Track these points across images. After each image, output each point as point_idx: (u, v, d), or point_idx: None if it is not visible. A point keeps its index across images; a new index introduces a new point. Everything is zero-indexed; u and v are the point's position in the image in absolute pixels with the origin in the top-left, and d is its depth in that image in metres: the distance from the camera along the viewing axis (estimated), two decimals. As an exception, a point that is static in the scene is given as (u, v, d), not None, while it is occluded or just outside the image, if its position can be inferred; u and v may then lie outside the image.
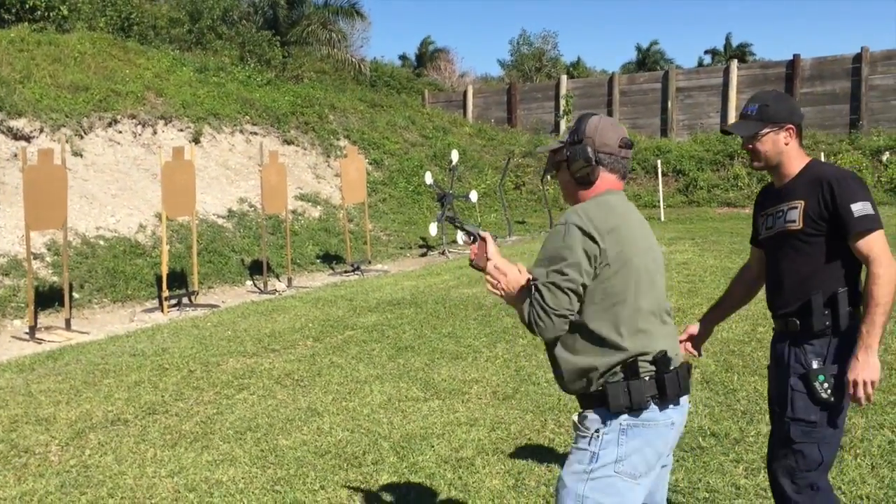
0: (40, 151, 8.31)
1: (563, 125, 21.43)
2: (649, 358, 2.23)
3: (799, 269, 2.68)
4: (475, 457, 4.20)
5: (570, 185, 2.38)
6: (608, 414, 2.22)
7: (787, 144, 2.70)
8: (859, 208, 2.53)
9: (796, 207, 2.67)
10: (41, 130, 11.70)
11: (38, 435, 4.82)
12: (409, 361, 6.21)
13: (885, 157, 17.05)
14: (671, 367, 2.25)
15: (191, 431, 4.82)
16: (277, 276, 11.25)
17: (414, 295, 9.14)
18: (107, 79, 14.02)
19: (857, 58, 18.40)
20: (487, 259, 2.44)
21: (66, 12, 16.53)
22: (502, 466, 4.06)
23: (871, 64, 18.29)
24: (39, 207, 8.07)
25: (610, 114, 21.32)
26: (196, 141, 13.99)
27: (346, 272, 11.75)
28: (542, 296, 2.20)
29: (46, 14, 16.28)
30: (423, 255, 13.53)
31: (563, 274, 2.19)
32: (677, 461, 3.99)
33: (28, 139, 11.39)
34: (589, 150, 2.29)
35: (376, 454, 4.32)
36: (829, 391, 2.59)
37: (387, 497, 3.80)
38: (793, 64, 19.12)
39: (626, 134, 2.36)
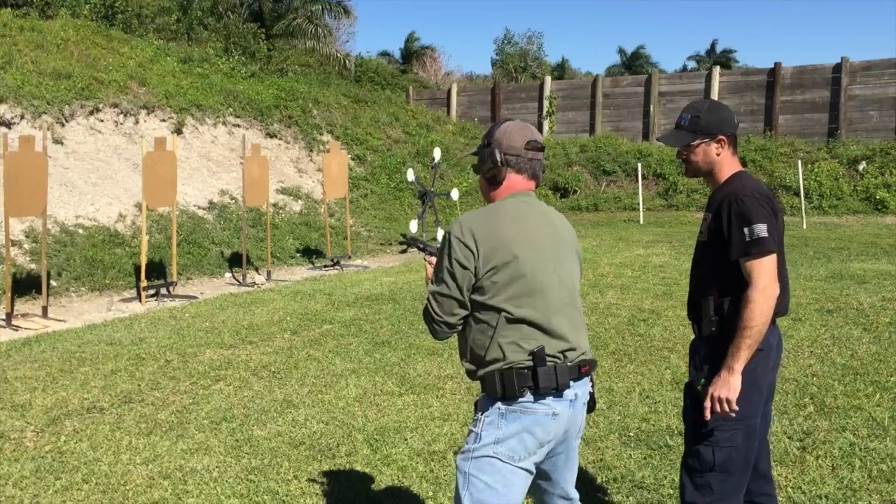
0: (21, 138, 8.27)
1: (546, 126, 21.53)
2: (526, 353, 2.34)
3: (703, 275, 2.79)
4: (447, 450, 4.27)
5: (483, 185, 2.56)
6: (489, 400, 2.40)
7: (718, 155, 2.78)
8: (748, 231, 2.58)
9: (707, 219, 2.77)
10: (22, 117, 11.62)
11: (13, 421, 4.83)
12: (386, 356, 6.27)
13: (862, 166, 17.29)
14: (548, 363, 2.34)
15: (166, 420, 4.85)
16: (257, 269, 11.27)
17: (392, 291, 9.19)
18: (89, 67, 13.93)
19: (837, 67, 18.60)
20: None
21: (49, -2, 16.45)
22: (474, 460, 4.13)
23: (851, 74, 18.51)
24: (19, 194, 8.04)
25: (593, 116, 21.47)
26: (178, 131, 13.94)
27: (325, 267, 11.78)
28: (430, 304, 2.42)
29: (30, -1, 16.19)
30: (403, 251, 13.58)
31: (442, 283, 2.38)
32: (644, 459, 4.09)
33: (9, 125, 11.32)
34: (496, 152, 2.46)
35: (350, 446, 4.38)
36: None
37: (359, 488, 3.86)
38: (774, 72, 19.31)
39: (537, 137, 2.50)
